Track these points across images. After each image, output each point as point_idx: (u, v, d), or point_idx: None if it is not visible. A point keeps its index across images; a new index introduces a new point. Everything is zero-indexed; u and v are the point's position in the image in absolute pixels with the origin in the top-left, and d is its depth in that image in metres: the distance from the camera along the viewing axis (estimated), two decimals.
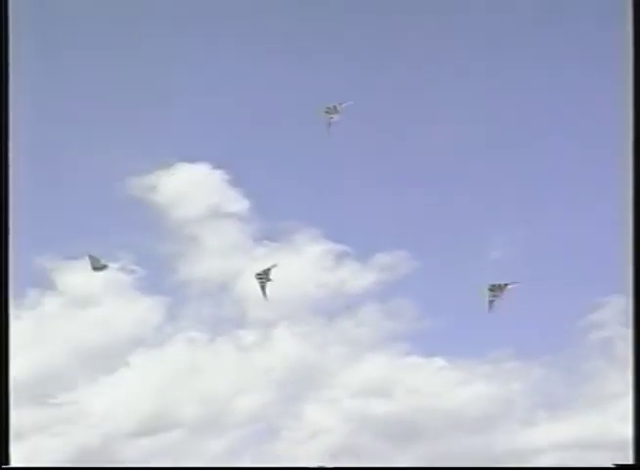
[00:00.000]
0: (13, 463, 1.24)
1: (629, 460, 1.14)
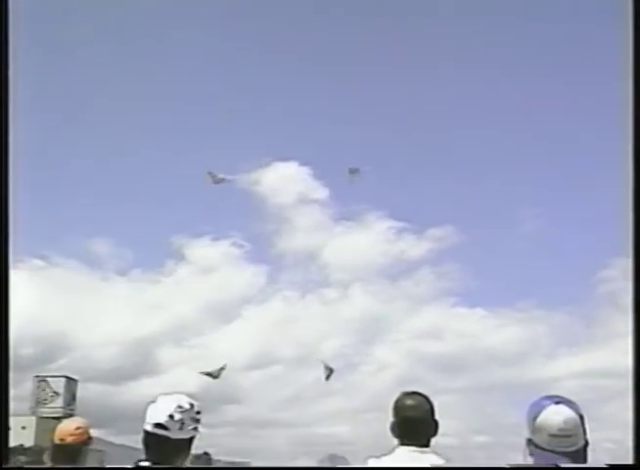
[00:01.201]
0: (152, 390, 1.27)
1: (630, 389, 1.16)
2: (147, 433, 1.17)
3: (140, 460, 1.16)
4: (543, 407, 1.06)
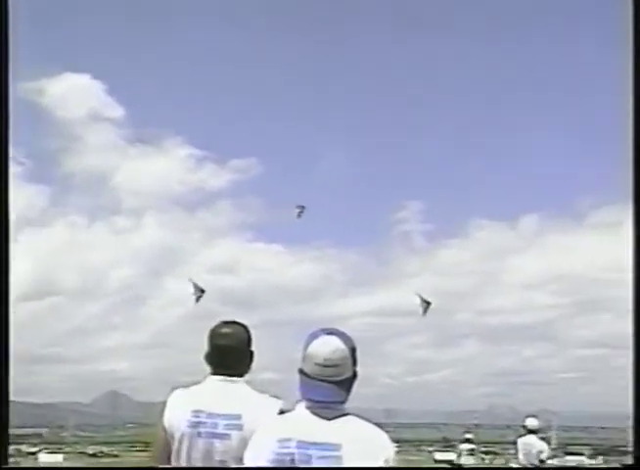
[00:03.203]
0: None
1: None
2: None
3: None
4: (315, 338, 1.09)
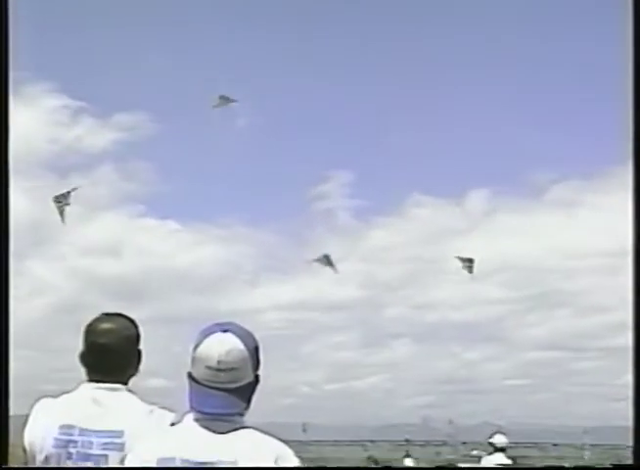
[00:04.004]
0: None
1: None
2: None
3: None
4: (207, 335, 1.07)
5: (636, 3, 1.34)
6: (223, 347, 1.05)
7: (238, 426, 1.05)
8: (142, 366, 1.30)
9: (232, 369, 1.04)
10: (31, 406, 1.24)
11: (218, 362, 1.04)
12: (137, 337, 1.29)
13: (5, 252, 1.27)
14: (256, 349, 1.08)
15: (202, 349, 1.05)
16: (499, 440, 4.51)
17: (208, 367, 1.04)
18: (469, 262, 8.62)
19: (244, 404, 1.06)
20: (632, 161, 1.33)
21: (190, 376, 1.06)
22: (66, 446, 1.18)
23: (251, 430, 1.05)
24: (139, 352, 1.29)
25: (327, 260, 8.79)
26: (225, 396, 1.04)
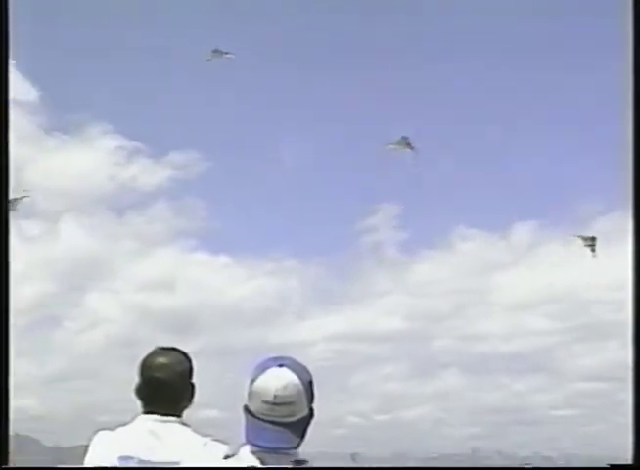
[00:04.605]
0: None
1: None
2: None
3: None
4: (263, 370, 1.07)
5: None
6: (279, 381, 1.05)
7: (292, 459, 1.05)
8: (195, 398, 1.30)
9: (288, 404, 1.05)
10: (89, 438, 1.25)
11: (275, 397, 1.04)
12: (190, 371, 1.30)
13: (5, 256, 1.30)
14: (311, 383, 1.09)
15: (258, 383, 1.05)
16: None
17: (265, 402, 1.05)
18: (591, 241, 8.08)
19: (298, 439, 1.06)
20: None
21: (246, 409, 1.07)
22: None
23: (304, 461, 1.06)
24: (192, 386, 1.30)
25: (406, 143, 8.42)
26: (281, 430, 1.05)
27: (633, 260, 1.34)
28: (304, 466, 1.05)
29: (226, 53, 7.92)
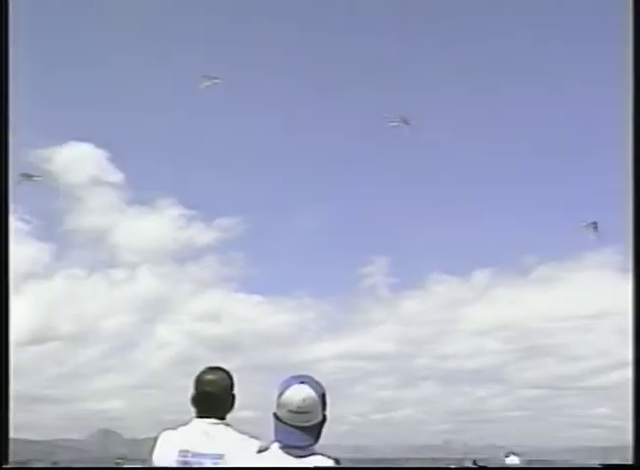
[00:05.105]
0: None
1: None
2: None
3: None
4: (288, 386, 1.08)
5: None
6: (300, 395, 1.06)
7: (309, 453, 1.07)
8: (236, 403, 1.30)
9: (307, 412, 1.06)
10: (156, 432, 1.25)
11: (297, 407, 1.06)
12: (232, 385, 1.29)
13: (5, 260, 1.25)
14: (324, 395, 1.09)
15: (284, 396, 1.07)
16: (512, 461, 4.35)
17: (290, 411, 1.06)
18: (593, 225, 7.53)
19: (314, 439, 1.08)
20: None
21: (275, 416, 1.08)
22: (183, 465, 1.20)
23: (318, 456, 1.07)
24: (233, 397, 1.30)
25: (405, 121, 7.73)
26: (301, 432, 1.06)
27: (633, 267, 1.28)
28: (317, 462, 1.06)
29: (215, 78, 6.99)
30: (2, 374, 1.18)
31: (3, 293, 1.23)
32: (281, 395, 1.07)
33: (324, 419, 1.09)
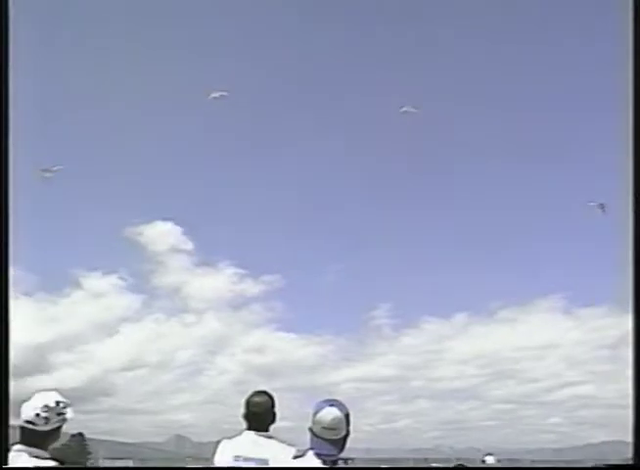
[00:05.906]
0: None
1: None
2: (20, 425, 1.04)
3: (15, 443, 1.02)
4: (321, 408, 1.06)
5: None
6: (331, 415, 1.04)
7: (336, 459, 1.04)
8: (277, 416, 1.26)
9: (335, 429, 1.04)
10: (218, 438, 1.24)
11: (328, 425, 1.04)
12: (273, 405, 1.26)
13: (5, 263, 1.07)
14: (347, 415, 1.07)
15: (318, 416, 1.05)
16: (489, 460, 4.19)
17: (323, 428, 1.04)
18: (601, 206, 6.66)
19: (340, 448, 1.06)
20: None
21: (311, 430, 1.06)
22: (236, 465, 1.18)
23: (339, 461, 1.05)
24: (274, 414, 1.26)
25: (414, 107, 7.00)
26: (330, 444, 1.04)
27: (633, 270, 1.16)
28: (343, 466, 1.04)
29: (224, 91, 5.90)
30: (2, 374, 1.05)
31: (3, 292, 1.07)
32: (315, 414, 1.05)
33: (348, 433, 1.07)
